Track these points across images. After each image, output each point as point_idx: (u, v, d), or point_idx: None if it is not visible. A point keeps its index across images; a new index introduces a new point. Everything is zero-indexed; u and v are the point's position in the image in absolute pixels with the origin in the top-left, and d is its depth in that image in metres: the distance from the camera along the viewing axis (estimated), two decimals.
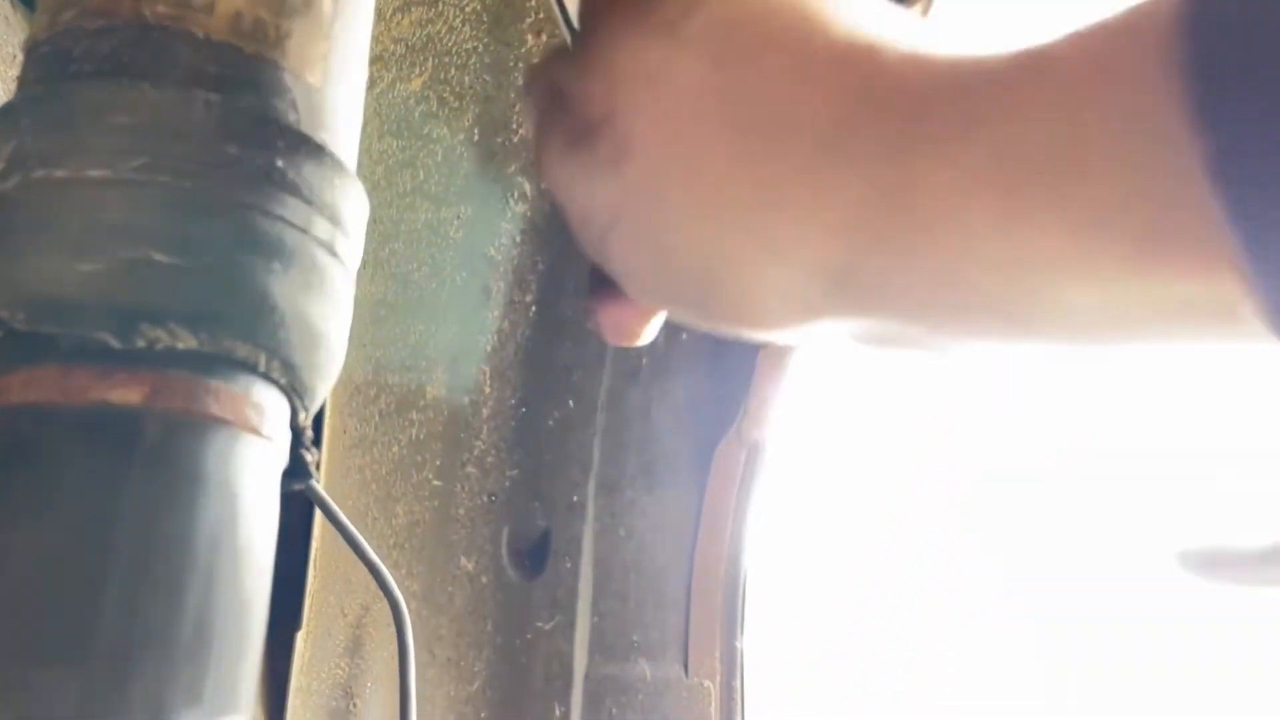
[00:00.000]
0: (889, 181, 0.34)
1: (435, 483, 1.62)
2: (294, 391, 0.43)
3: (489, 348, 1.63)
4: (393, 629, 1.52)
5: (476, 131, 1.42)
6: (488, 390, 1.67)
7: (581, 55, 0.44)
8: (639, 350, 1.68)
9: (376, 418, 1.54)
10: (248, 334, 0.40)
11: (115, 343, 0.37)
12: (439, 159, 1.41)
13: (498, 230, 1.55)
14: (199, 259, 0.38)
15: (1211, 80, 0.27)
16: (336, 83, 0.47)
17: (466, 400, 1.62)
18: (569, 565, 1.71)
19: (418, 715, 0.91)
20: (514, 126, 1.46)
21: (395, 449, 1.55)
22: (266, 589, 0.40)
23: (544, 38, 1.39)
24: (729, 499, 1.75)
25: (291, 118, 0.43)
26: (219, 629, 0.37)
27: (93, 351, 0.37)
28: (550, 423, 1.70)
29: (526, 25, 1.38)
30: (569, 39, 1.29)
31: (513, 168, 1.50)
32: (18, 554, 0.35)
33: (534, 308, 1.64)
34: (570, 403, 1.70)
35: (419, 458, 1.61)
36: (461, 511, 1.68)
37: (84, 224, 0.38)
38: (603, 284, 0.50)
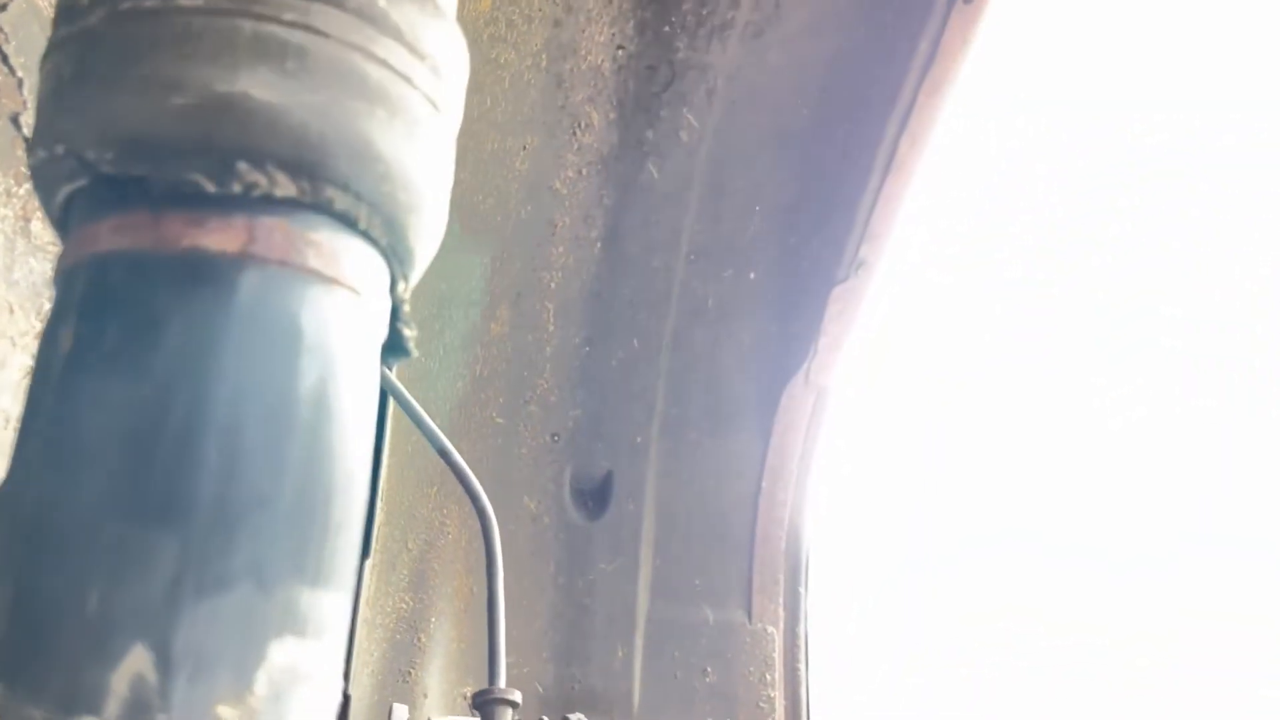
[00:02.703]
0: None
1: (498, 420, 1.60)
2: (394, 255, 0.40)
3: (553, 284, 1.59)
4: (455, 564, 1.51)
5: (544, 57, 1.37)
6: (551, 328, 1.63)
7: None
8: (705, 289, 1.64)
9: (441, 352, 1.51)
10: (349, 183, 0.37)
11: (209, 186, 0.34)
12: (506, 85, 1.37)
13: (564, 162, 1.51)
14: (299, 98, 0.35)
15: None
16: None
17: (530, 338, 1.59)
18: (631, 508, 1.69)
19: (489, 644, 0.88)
20: (582, 53, 1.42)
21: (459, 385, 1.53)
22: (368, 459, 0.37)
23: None
24: (795, 444, 1.71)
25: None
26: (321, 497, 0.34)
27: (185, 196, 0.34)
28: (614, 362, 1.66)
29: None
30: None
31: (580, 96, 1.46)
32: (112, 408, 0.32)
33: (599, 244, 1.60)
34: (635, 342, 1.66)
35: (482, 395, 1.59)
36: (524, 450, 1.65)
37: (177, 56, 0.34)
38: None
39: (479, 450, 1.59)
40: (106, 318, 0.34)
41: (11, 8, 0.52)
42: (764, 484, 1.75)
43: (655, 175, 1.57)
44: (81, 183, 0.36)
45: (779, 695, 1.73)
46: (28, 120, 0.54)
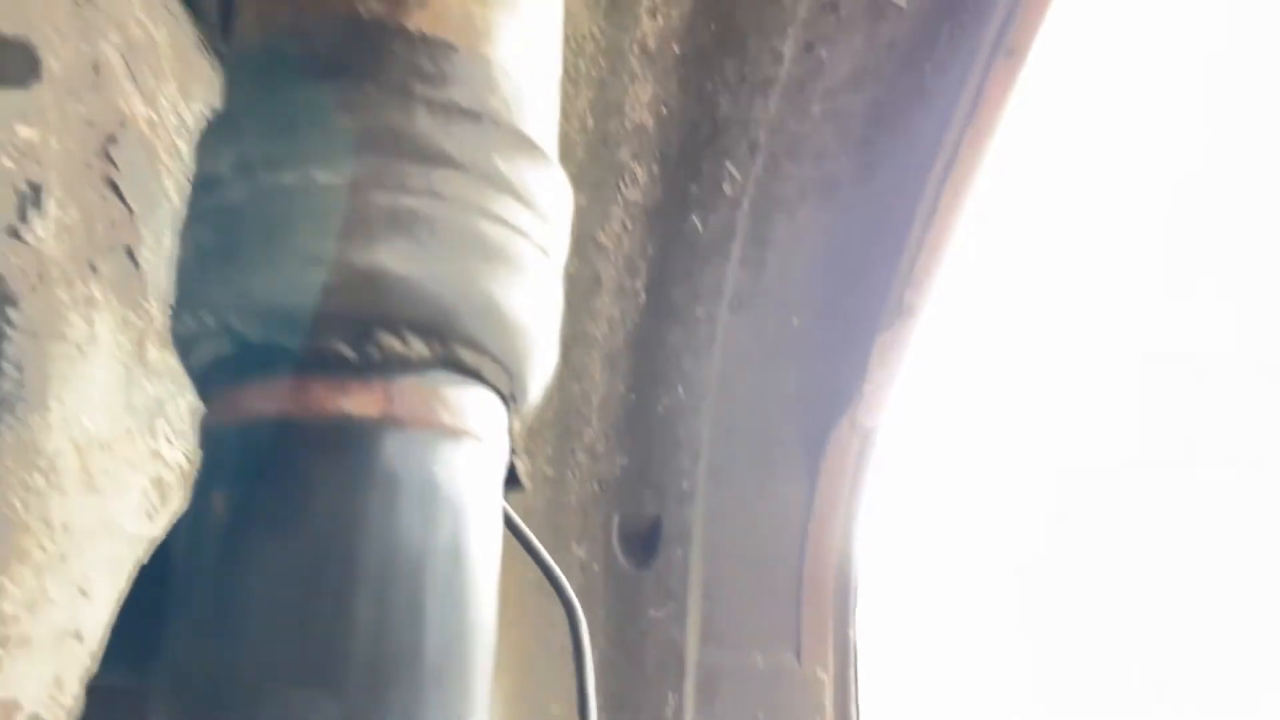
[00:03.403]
0: None
1: (547, 471, 1.62)
2: (513, 398, 0.42)
3: (600, 335, 1.61)
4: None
5: (590, 118, 1.40)
6: (598, 377, 1.65)
7: None
8: (749, 336, 1.65)
9: None
10: (475, 340, 0.38)
11: (350, 353, 0.36)
12: None
13: (609, 216, 1.53)
14: (430, 266, 0.37)
15: None
16: (538, 70, 0.45)
17: (577, 388, 1.61)
18: (680, 553, 1.70)
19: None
20: (627, 111, 1.44)
21: None
22: (495, 604, 0.39)
23: (659, 20, 1.36)
24: (841, 487, 1.72)
25: (503, 112, 0.42)
26: (459, 648, 0.36)
27: (328, 362, 0.36)
28: (660, 409, 1.68)
29: (643, 8, 1.35)
30: None
31: (625, 152, 1.48)
32: (267, 571, 0.34)
33: (644, 294, 1.62)
34: (680, 389, 1.68)
35: (531, 446, 1.61)
36: (572, 499, 1.67)
37: (316, 232, 0.36)
38: None
39: (528, 501, 1.61)
40: (259, 482, 0.36)
41: (121, 140, 0.54)
42: (811, 527, 1.76)
43: (699, 226, 1.59)
44: (226, 347, 0.38)
45: None
46: (141, 253, 0.56)
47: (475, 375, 0.39)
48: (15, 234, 0.46)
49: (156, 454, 0.56)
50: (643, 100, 1.45)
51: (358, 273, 0.36)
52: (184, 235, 0.39)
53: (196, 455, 0.63)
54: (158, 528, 0.56)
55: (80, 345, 0.50)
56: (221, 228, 0.38)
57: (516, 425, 0.43)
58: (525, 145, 0.41)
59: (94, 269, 0.52)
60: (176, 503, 0.58)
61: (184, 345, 0.39)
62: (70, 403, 0.49)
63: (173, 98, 0.59)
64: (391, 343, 0.37)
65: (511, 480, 0.44)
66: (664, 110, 1.47)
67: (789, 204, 1.57)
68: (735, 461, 1.72)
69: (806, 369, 1.70)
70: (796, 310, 1.66)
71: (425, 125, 0.38)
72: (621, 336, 1.64)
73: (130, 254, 0.55)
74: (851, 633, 1.75)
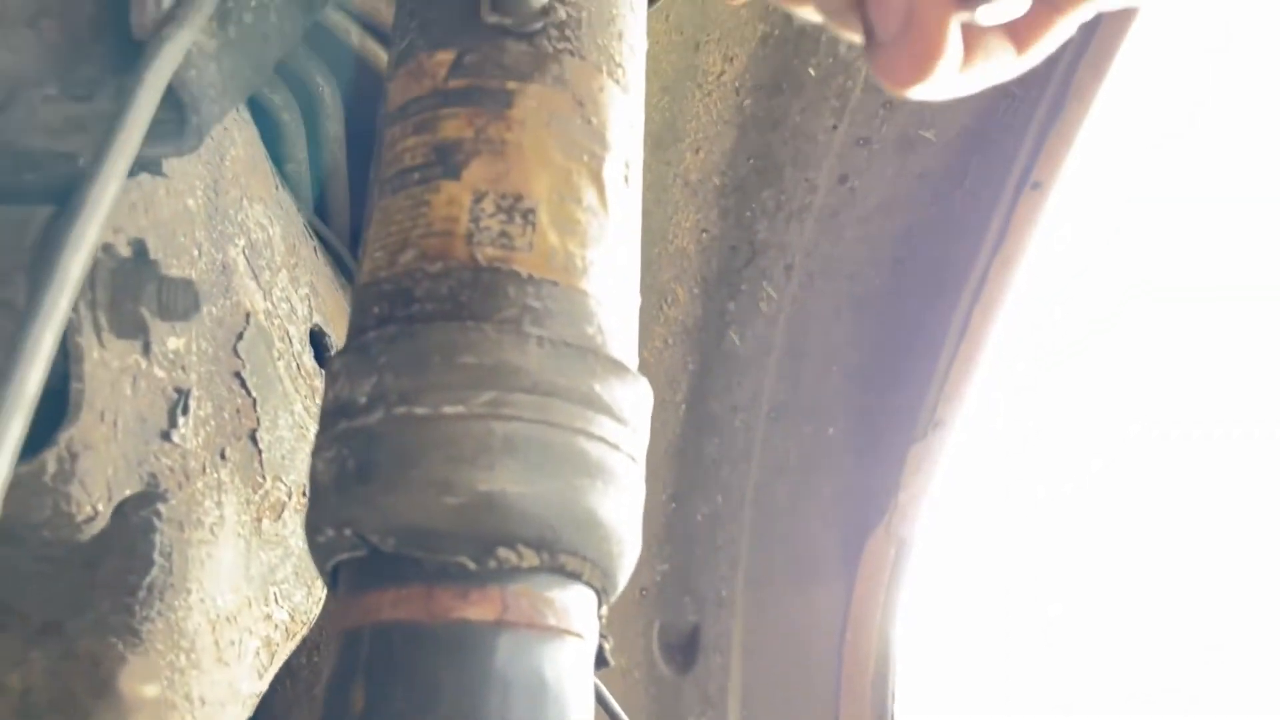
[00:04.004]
0: None
1: None
2: (605, 593, 0.47)
3: None
4: None
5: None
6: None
7: None
8: (786, 446, 1.70)
9: None
10: (578, 549, 0.44)
11: (472, 565, 0.42)
12: None
13: (652, 334, 1.60)
14: (542, 487, 0.43)
15: None
16: (625, 299, 0.52)
17: None
18: (719, 660, 1.73)
19: None
20: (670, 238, 1.52)
21: None
22: None
23: (701, 155, 1.44)
24: (878, 594, 1.75)
25: (599, 340, 0.48)
26: None
27: (452, 574, 0.42)
28: (699, 518, 1.73)
29: (686, 144, 1.44)
30: None
31: (667, 275, 1.56)
32: None
33: (683, 406, 1.68)
34: (719, 498, 1.73)
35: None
36: (614, 605, 1.69)
37: (445, 459, 0.42)
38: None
39: None
40: (392, 681, 0.41)
41: (245, 335, 0.61)
42: (848, 634, 1.78)
43: (737, 342, 1.65)
44: (363, 557, 0.43)
45: None
46: (260, 435, 0.62)
47: (576, 577, 0.44)
48: (167, 437, 0.53)
49: (268, 617, 0.61)
50: (684, 227, 1.52)
51: (480, 496, 0.42)
52: (321, 452, 0.45)
53: (299, 613, 0.68)
54: (265, 684, 0.61)
55: (212, 528, 0.56)
56: (359, 451, 0.44)
57: (605, 611, 0.48)
58: (617, 368, 0.47)
59: (223, 456, 0.58)
60: (281, 659, 0.63)
61: (322, 552, 0.45)
62: (205, 583, 0.54)
63: (284, 287, 0.66)
64: (508, 555, 0.42)
65: (600, 661, 0.49)
66: (704, 236, 1.54)
67: (823, 320, 1.63)
68: (773, 568, 1.75)
69: (843, 477, 1.74)
70: (832, 420, 1.71)
71: (536, 361, 0.44)
72: (662, 447, 1.69)
73: (253, 438, 0.61)
74: None
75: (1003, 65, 0.44)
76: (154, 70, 0.41)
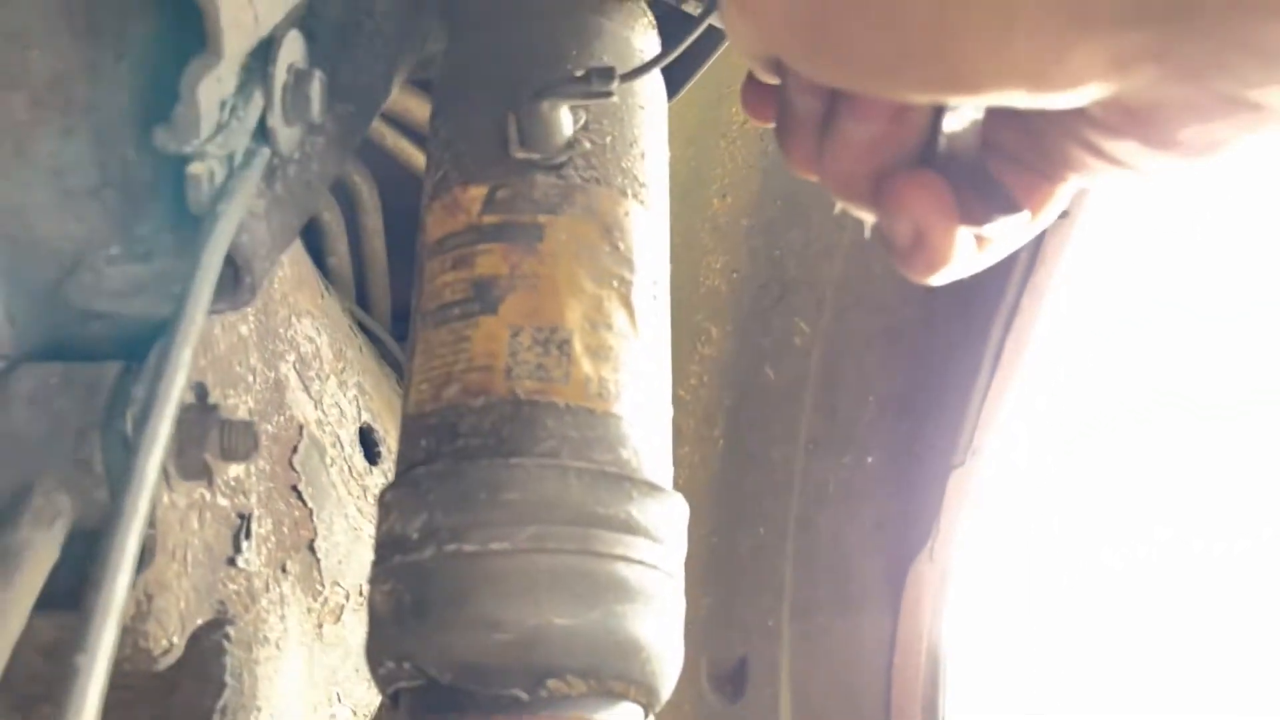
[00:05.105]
0: None
1: None
2: (650, 706, 0.49)
3: (681, 482, 1.68)
4: None
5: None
6: None
7: None
8: (825, 476, 1.71)
9: None
10: (622, 673, 0.46)
11: (525, 696, 0.44)
12: None
13: (687, 373, 1.62)
14: (587, 618, 0.45)
15: None
16: (657, 417, 0.54)
17: None
18: (768, 691, 1.74)
19: None
20: (701, 279, 1.54)
21: None
22: None
23: (729, 200, 1.46)
24: (923, 619, 1.75)
25: (634, 464, 0.50)
26: None
27: (506, 704, 0.45)
28: (742, 551, 1.74)
29: (713, 190, 1.46)
30: None
31: (700, 315, 1.58)
32: None
33: (721, 441, 1.70)
34: (760, 530, 1.74)
35: None
36: None
37: (494, 595, 0.45)
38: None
39: None
40: None
41: (299, 448, 0.64)
42: (895, 659, 1.79)
43: (771, 376, 1.67)
44: (422, 688, 0.46)
45: None
46: (318, 544, 0.66)
47: (623, 697, 0.47)
48: (232, 563, 0.56)
49: (332, 717, 0.64)
50: (715, 268, 1.55)
51: (528, 631, 0.45)
52: (378, 584, 0.48)
53: (361, 706, 0.71)
54: None
55: (278, 643, 0.59)
56: (414, 587, 0.46)
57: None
58: (652, 490, 0.50)
59: (284, 570, 0.61)
60: None
61: (384, 681, 0.47)
62: (272, 697, 0.57)
63: (333, 393, 0.69)
64: (558, 685, 0.45)
65: None
66: (735, 275, 1.56)
67: (857, 351, 1.64)
68: (818, 597, 1.77)
69: (884, 505, 1.75)
70: (870, 449, 1.72)
71: (576, 493, 0.47)
72: (703, 482, 1.71)
73: (311, 548, 0.64)
74: None
75: (1016, 237, 0.46)
76: (212, 245, 0.44)
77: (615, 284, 0.53)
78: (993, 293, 1.48)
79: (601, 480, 0.48)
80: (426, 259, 0.55)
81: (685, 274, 1.52)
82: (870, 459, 1.75)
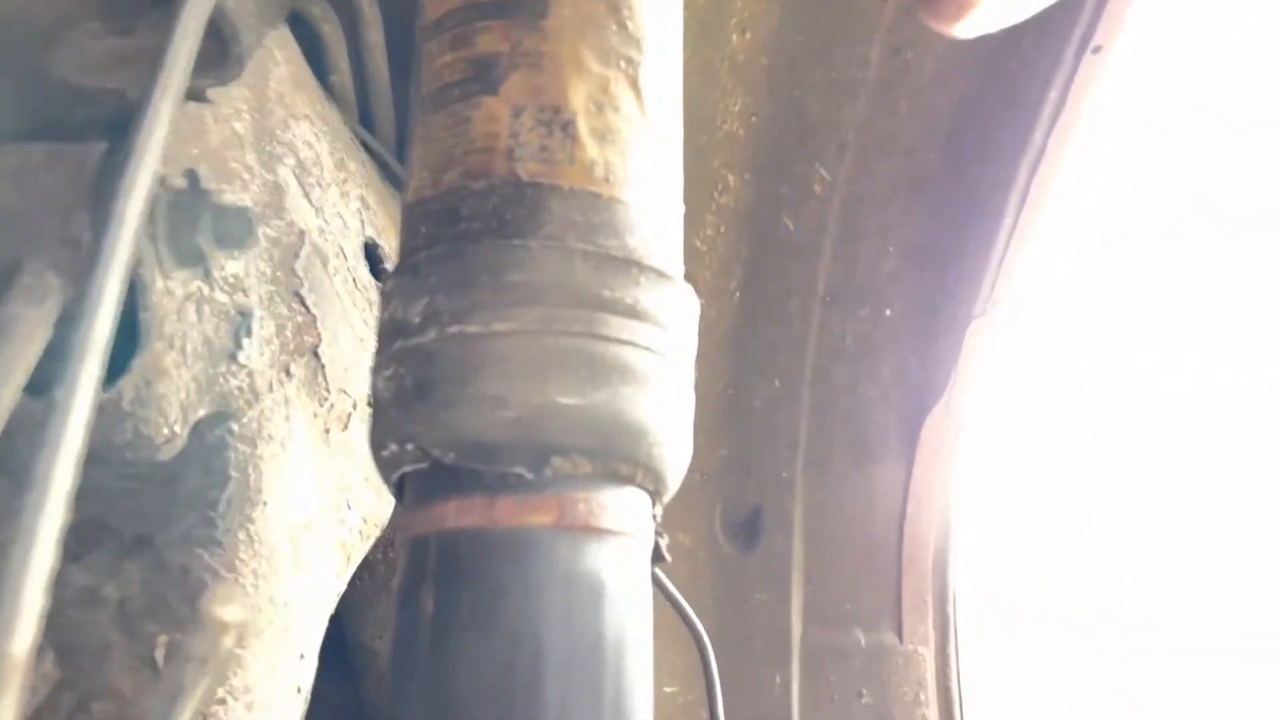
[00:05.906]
0: None
1: None
2: (657, 494, 0.49)
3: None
4: None
5: (683, 133, 1.44)
6: (695, 376, 1.70)
7: None
8: (843, 328, 1.70)
9: None
10: (629, 455, 0.46)
11: (529, 475, 0.44)
12: None
13: (704, 223, 1.59)
14: (592, 398, 0.44)
15: None
16: (667, 205, 0.52)
17: None
18: (781, 539, 1.77)
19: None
20: (718, 122, 1.49)
21: None
22: (652, 676, 0.46)
23: (748, 36, 1.41)
24: (938, 470, 1.76)
25: (642, 250, 0.49)
26: (631, 717, 0.43)
27: (510, 483, 0.44)
28: (757, 403, 1.74)
29: (732, 25, 1.40)
30: None
31: (717, 162, 1.54)
32: (475, 661, 0.42)
33: (737, 293, 1.68)
34: (776, 382, 1.74)
35: None
36: (677, 489, 1.73)
37: (499, 375, 0.44)
38: None
39: None
40: (460, 585, 0.43)
41: (300, 253, 0.63)
42: (909, 509, 1.81)
43: (790, 226, 1.64)
44: (426, 470, 0.45)
45: (934, 714, 1.79)
46: (322, 350, 0.65)
47: (629, 481, 0.46)
48: (233, 358, 0.55)
49: (342, 522, 0.64)
50: (733, 111, 1.50)
51: (534, 409, 0.44)
52: (380, 370, 0.47)
53: (372, 516, 0.72)
54: (343, 584, 0.65)
55: (283, 442, 0.58)
56: (416, 369, 0.45)
57: (658, 510, 0.50)
58: (660, 277, 0.48)
59: (288, 373, 0.60)
60: (357, 560, 0.67)
61: (387, 466, 0.47)
62: (280, 495, 0.57)
63: (335, 203, 0.67)
64: (562, 464, 0.44)
65: (658, 555, 0.51)
66: (754, 119, 1.51)
67: (878, 198, 1.60)
68: (832, 449, 1.77)
69: (901, 358, 1.74)
70: (889, 302, 1.70)
71: (581, 276, 0.45)
72: (718, 335, 1.70)
73: (315, 353, 0.63)
74: (951, 610, 1.80)
75: None
76: (194, 4, 0.42)
77: (623, 64, 0.50)
78: (1020, 134, 1.43)
79: (608, 264, 0.46)
80: (424, 41, 0.52)
81: (703, 117, 1.47)
82: (889, 311, 1.73)
